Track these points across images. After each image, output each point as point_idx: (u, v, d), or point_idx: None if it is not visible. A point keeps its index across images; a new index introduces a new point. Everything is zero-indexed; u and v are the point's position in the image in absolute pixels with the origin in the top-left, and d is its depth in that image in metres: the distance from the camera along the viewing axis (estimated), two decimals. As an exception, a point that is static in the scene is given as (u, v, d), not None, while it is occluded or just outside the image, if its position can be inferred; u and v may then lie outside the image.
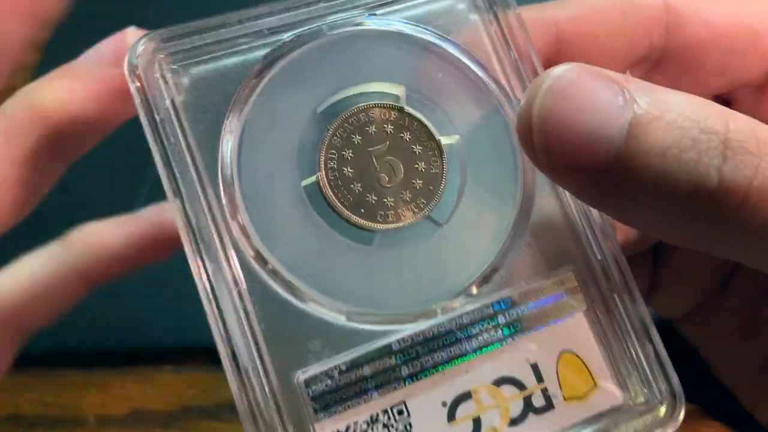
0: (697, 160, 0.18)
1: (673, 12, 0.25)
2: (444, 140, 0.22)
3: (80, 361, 0.32)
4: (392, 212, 0.21)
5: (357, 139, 0.21)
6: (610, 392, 0.21)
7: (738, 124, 0.19)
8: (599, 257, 0.22)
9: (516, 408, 0.21)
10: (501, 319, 0.21)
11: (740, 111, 0.26)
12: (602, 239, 0.22)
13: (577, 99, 0.18)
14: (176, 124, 0.20)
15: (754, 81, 0.26)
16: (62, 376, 0.34)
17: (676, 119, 0.18)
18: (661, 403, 0.21)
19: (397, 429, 0.20)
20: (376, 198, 0.21)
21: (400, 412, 0.20)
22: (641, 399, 0.21)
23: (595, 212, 0.22)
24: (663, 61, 0.26)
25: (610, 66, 0.27)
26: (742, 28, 0.25)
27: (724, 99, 0.28)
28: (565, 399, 0.21)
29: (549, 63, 0.26)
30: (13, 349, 0.28)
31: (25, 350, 0.28)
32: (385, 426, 0.20)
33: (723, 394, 0.29)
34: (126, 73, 0.20)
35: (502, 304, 0.21)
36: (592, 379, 0.21)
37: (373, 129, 0.21)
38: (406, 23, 0.22)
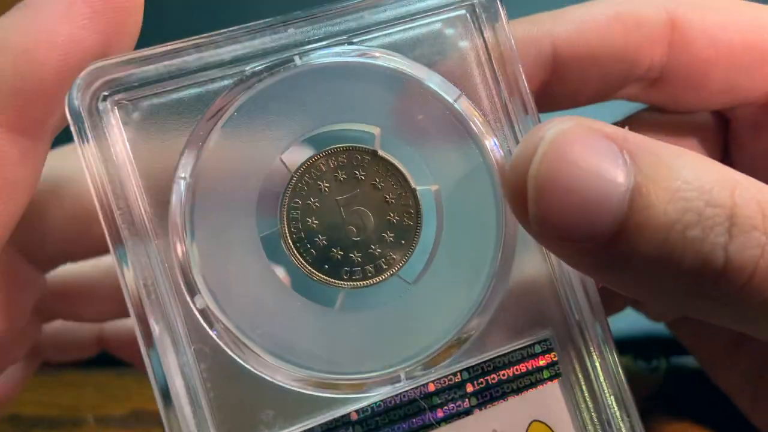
0: (703, 239, 0.17)
1: (679, 29, 0.23)
2: (420, 189, 0.20)
3: (79, 362, 0.32)
4: (359, 269, 0.19)
5: (324, 186, 0.19)
6: (579, 467, 0.20)
7: (744, 195, 0.17)
8: (577, 317, 0.21)
9: (479, 480, 0.20)
10: (469, 388, 0.20)
11: (739, 129, 0.26)
12: (583, 297, 0.21)
13: (574, 166, 0.17)
14: (122, 165, 0.18)
15: (758, 99, 0.24)
16: (61, 376, 0.34)
17: (679, 188, 0.17)
18: None
19: (351, 506, 0.19)
20: (342, 253, 0.19)
21: (356, 488, 0.19)
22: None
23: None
24: (663, 79, 0.24)
25: (606, 85, 0.25)
26: (752, 45, 0.24)
27: (723, 116, 0.26)
28: (531, 471, 0.20)
29: (544, 86, 0.24)
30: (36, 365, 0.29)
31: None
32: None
33: (717, 401, 0.28)
34: (67, 110, 0.18)
35: (471, 371, 0.20)
36: (562, 450, 0.20)
37: (343, 175, 0.20)
38: (387, 55, 0.20)
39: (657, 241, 0.17)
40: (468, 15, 0.21)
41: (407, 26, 0.20)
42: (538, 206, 0.17)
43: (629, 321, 0.31)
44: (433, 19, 0.21)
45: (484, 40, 0.21)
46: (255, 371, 0.18)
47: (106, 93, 0.18)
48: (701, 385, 0.30)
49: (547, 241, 0.18)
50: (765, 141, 0.25)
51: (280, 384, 0.19)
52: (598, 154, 0.17)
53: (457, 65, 0.21)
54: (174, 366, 0.18)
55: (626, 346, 0.32)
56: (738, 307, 0.17)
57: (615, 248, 0.17)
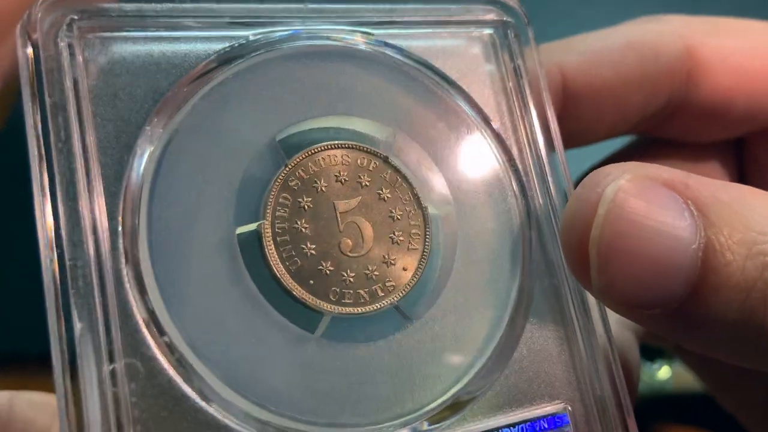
0: None
1: (697, 59, 0.22)
2: (432, 209, 0.17)
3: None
4: (351, 292, 0.16)
5: (321, 185, 0.16)
6: None
7: None
8: (599, 393, 0.17)
9: None
10: (468, 463, 0.16)
11: (759, 152, 0.24)
12: (605, 371, 0.17)
13: (639, 227, 0.15)
14: (74, 114, 0.14)
15: None
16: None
17: (756, 240, 0.15)
18: None
19: None
20: (332, 269, 0.15)
21: None
22: None
23: (599, 335, 0.18)
24: (681, 111, 0.23)
25: (621, 120, 0.23)
26: None
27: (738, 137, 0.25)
28: None
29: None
30: None
31: (22, 350, 0.25)
32: None
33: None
34: (17, 33, 0.14)
35: (472, 442, 0.16)
36: None
37: (345, 176, 0.16)
38: (409, 55, 0.18)
39: (736, 302, 0.15)
40: (496, 37, 0.19)
41: (430, 30, 0.18)
42: (603, 275, 0.15)
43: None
44: (459, 30, 0.19)
45: (514, 66, 0.19)
46: (202, 404, 0.14)
47: (74, 17, 0.14)
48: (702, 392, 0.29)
49: (614, 307, 0.16)
50: None
51: (233, 426, 0.14)
52: (662, 209, 0.15)
53: (481, 88, 0.18)
54: (92, 382, 0.13)
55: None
56: None
57: (689, 311, 0.15)
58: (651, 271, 0.15)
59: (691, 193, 0.15)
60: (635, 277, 0.15)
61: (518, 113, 0.18)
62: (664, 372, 0.31)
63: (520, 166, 0.18)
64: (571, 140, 0.22)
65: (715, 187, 0.15)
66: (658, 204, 0.15)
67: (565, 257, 0.16)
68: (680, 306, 0.15)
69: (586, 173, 0.25)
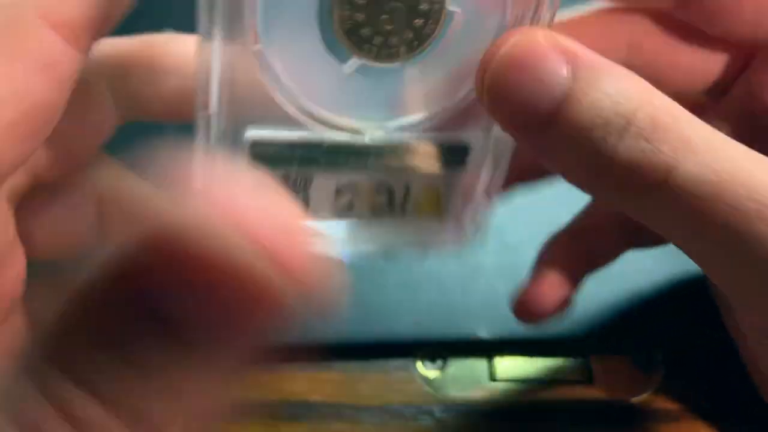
0: (602, 138, 0.20)
1: None
2: (449, 7, 0.23)
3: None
4: (380, 50, 0.24)
5: None
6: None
7: (646, 112, 0.20)
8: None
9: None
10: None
11: (758, 68, 0.27)
12: None
13: (524, 69, 0.20)
14: None
15: None
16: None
17: (598, 98, 0.20)
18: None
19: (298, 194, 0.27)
20: (377, 37, 0.24)
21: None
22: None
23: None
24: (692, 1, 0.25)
25: None
26: None
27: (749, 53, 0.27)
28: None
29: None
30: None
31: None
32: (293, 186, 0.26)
33: (717, 401, 0.31)
34: None
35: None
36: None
37: None
38: None
39: (574, 139, 0.21)
40: None
41: None
42: (487, 98, 0.22)
43: (627, 320, 0.34)
44: None
45: None
46: (277, 95, 0.24)
47: None
48: (700, 384, 0.31)
49: (497, 121, 0.22)
50: None
51: (291, 113, 0.24)
52: (545, 61, 0.20)
53: None
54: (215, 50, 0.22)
55: (625, 346, 0.34)
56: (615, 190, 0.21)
57: (543, 138, 0.21)
58: (521, 104, 0.20)
59: (576, 60, 0.20)
60: (508, 105, 0.21)
61: None
62: (659, 371, 0.33)
63: None
64: None
65: (598, 62, 0.20)
66: (545, 58, 0.20)
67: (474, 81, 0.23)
68: (537, 134, 0.21)
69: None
